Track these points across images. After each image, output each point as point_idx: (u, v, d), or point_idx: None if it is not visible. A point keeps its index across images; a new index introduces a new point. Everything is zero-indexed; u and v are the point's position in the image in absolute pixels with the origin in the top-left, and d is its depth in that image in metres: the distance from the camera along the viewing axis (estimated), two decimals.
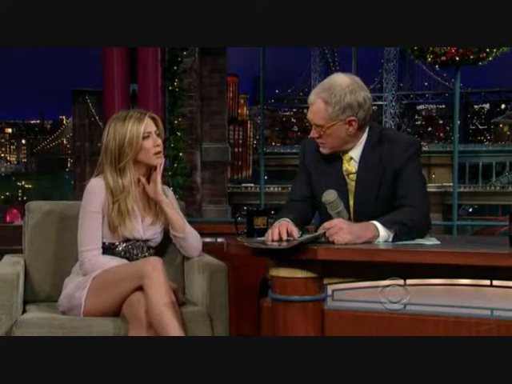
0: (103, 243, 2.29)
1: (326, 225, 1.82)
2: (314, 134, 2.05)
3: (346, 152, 2.06)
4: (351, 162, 2.06)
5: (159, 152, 2.31)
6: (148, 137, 2.29)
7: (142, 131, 2.27)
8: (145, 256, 2.34)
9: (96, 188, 2.29)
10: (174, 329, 2.00)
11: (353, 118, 1.99)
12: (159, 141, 2.32)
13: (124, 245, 2.31)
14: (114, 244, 2.30)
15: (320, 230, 1.82)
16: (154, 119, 2.33)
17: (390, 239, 1.84)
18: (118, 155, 2.28)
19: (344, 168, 2.06)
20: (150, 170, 2.35)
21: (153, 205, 2.36)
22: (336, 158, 2.08)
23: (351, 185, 2.05)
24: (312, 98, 2.02)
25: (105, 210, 2.28)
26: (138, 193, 2.35)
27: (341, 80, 2.00)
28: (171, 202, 2.43)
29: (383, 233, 1.83)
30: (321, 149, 2.07)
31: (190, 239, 2.41)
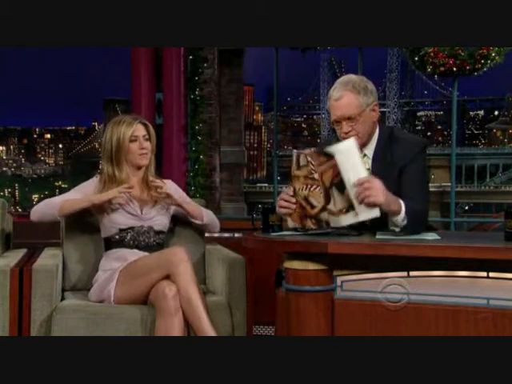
0: (113, 238, 2.32)
1: (361, 180, 1.72)
2: (346, 129, 1.96)
3: (361, 149, 2.02)
4: (365, 159, 2.02)
5: (142, 154, 2.36)
6: (135, 140, 2.35)
7: (129, 134, 2.34)
8: (154, 241, 2.34)
9: (88, 183, 2.41)
10: (206, 321, 2.03)
11: (375, 102, 1.98)
12: (145, 144, 2.37)
13: (131, 233, 2.32)
14: (121, 236, 2.31)
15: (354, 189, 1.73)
16: (145, 125, 2.39)
17: (400, 226, 1.81)
18: (114, 154, 2.36)
19: None
20: (142, 170, 2.40)
21: (152, 187, 2.38)
22: None
23: None
24: (338, 94, 1.96)
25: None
26: (136, 183, 2.39)
27: (352, 75, 2.02)
28: (178, 193, 2.47)
29: (402, 214, 1.80)
30: None
31: (209, 223, 2.48)
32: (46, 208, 2.32)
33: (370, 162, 2.02)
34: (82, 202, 2.31)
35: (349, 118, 1.95)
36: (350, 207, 1.76)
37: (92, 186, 2.38)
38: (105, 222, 2.34)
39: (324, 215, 1.77)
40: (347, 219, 1.76)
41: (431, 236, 1.83)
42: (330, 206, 1.76)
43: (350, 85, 1.95)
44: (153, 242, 2.34)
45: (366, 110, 1.95)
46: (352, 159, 1.76)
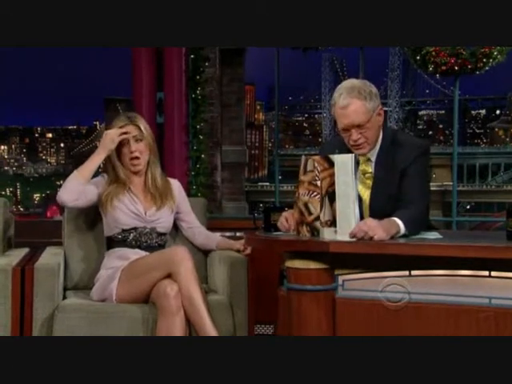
0: (115, 238, 2.33)
1: (361, 225, 1.70)
2: (355, 136, 1.94)
3: (364, 154, 2.01)
4: (368, 163, 2.01)
5: (133, 158, 2.33)
6: (126, 143, 2.32)
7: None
8: (156, 242, 2.34)
9: (98, 178, 2.37)
10: (208, 321, 2.03)
11: (380, 106, 1.97)
12: (134, 147, 2.32)
13: (133, 234, 2.32)
14: (124, 236, 2.31)
15: (350, 236, 1.71)
16: (138, 125, 2.33)
17: (401, 235, 1.80)
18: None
19: (361, 168, 2.00)
20: (142, 173, 2.37)
21: (155, 192, 2.37)
22: None
23: (367, 183, 2.01)
24: (345, 101, 1.92)
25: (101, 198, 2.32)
26: (139, 184, 2.38)
27: (355, 80, 2.00)
28: (182, 195, 2.47)
29: (402, 231, 1.78)
30: (360, 150, 1.97)
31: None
32: (67, 186, 2.27)
33: (372, 165, 2.01)
34: (95, 157, 2.29)
35: (358, 126, 1.93)
36: (334, 222, 1.73)
37: (102, 181, 2.37)
38: (109, 221, 2.34)
39: (317, 224, 1.75)
40: (328, 233, 1.72)
41: (433, 235, 1.83)
42: (321, 215, 1.73)
43: (356, 91, 1.92)
44: (155, 243, 2.35)
45: (373, 115, 1.94)
46: (345, 176, 1.71)
